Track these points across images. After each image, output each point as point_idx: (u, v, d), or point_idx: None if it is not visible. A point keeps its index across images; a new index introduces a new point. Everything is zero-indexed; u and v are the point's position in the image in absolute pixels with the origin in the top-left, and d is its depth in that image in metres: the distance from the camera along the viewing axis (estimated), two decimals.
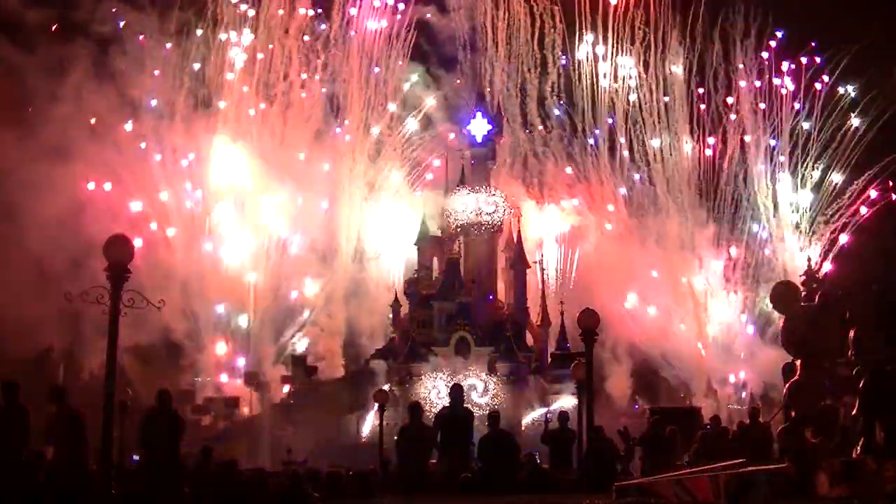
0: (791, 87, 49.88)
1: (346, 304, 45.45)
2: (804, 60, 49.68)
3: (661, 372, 45.42)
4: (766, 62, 49.88)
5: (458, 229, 45.13)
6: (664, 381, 45.39)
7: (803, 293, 8.30)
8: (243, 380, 43.51)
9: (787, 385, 8.29)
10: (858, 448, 7.86)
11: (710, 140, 49.95)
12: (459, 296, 43.50)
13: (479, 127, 45.98)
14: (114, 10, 43.72)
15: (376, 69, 48.66)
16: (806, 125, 49.74)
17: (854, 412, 7.98)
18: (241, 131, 46.47)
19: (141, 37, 44.85)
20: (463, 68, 49.40)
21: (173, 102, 45.49)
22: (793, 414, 8.22)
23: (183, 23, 46.14)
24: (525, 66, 49.50)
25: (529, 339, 45.36)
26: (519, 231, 46.00)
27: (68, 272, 31.66)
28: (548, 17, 49.35)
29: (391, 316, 45.29)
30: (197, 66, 46.64)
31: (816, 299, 8.18)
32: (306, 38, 48.31)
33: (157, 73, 45.58)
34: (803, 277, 28.01)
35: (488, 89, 48.35)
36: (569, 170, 49.35)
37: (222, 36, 47.30)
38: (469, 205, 44.83)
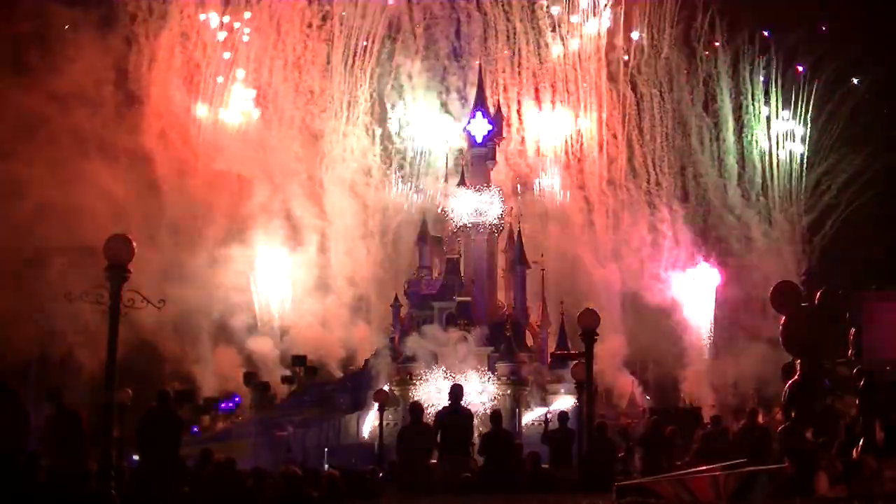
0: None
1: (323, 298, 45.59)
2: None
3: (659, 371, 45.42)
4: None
5: (458, 229, 45.12)
6: (662, 380, 45.39)
7: (803, 293, 8.29)
8: (243, 380, 43.48)
9: (787, 385, 8.28)
10: (858, 448, 7.86)
11: None
12: (459, 296, 43.49)
13: (478, 127, 45.94)
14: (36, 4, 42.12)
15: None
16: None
17: (854, 412, 7.99)
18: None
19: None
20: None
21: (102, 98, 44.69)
22: (793, 414, 8.21)
23: (105, 17, 45.34)
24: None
25: (529, 339, 45.35)
26: (519, 231, 46.02)
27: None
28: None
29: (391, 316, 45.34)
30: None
31: (816, 299, 8.17)
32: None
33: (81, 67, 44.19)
34: (803, 278, 28.08)
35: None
36: None
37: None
38: (469, 205, 44.79)
